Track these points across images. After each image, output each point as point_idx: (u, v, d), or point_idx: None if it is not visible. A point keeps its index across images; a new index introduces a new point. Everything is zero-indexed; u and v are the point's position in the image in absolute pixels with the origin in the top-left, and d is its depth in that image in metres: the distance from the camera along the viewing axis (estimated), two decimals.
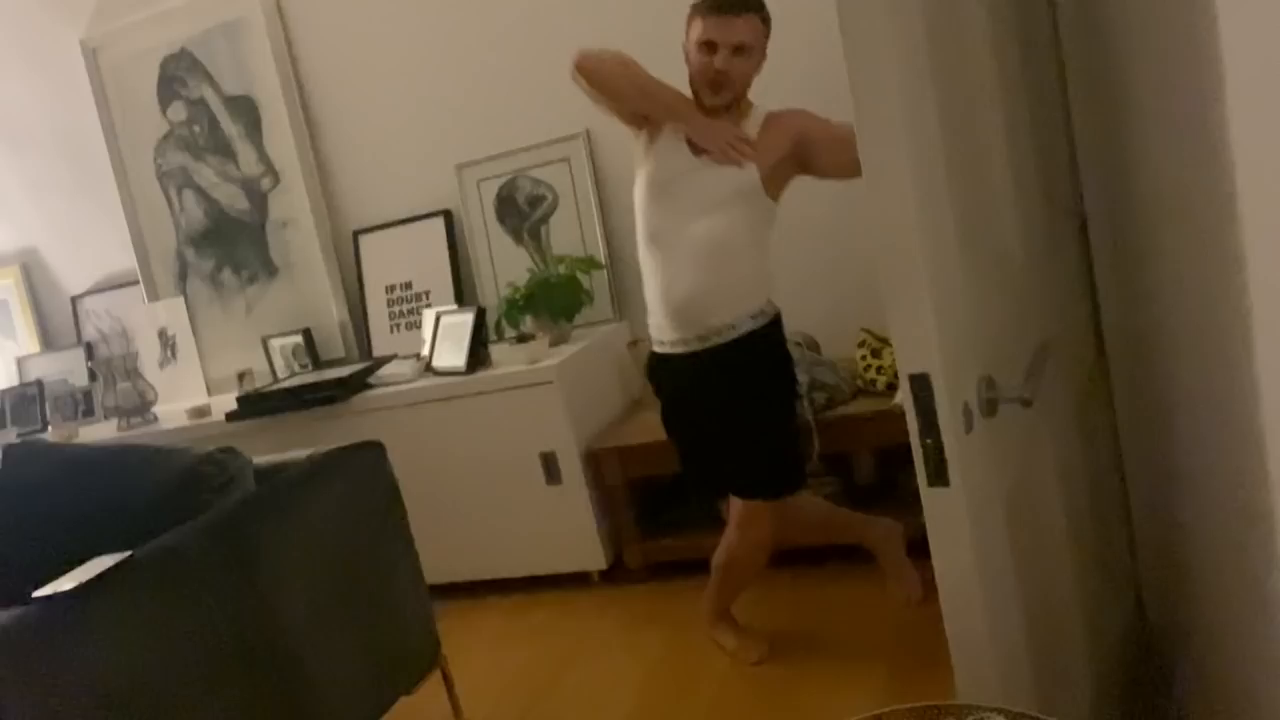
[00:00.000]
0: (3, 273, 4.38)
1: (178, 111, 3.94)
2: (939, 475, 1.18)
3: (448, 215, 3.66)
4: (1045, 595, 1.50)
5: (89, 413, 4.05)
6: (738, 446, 2.42)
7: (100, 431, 3.82)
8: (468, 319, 3.30)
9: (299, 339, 3.82)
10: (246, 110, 3.83)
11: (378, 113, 3.69)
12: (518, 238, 3.60)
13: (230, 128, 3.87)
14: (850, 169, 2.06)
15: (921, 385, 1.16)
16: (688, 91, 2.33)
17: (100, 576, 1.70)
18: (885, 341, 2.89)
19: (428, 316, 3.49)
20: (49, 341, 4.39)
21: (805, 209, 2.69)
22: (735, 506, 2.47)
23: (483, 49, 3.50)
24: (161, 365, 4.04)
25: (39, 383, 4.14)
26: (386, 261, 3.76)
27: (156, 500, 2.02)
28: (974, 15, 1.43)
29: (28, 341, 4.38)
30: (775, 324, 2.40)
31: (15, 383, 4.25)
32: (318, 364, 3.80)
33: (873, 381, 2.92)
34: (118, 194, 4.04)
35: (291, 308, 3.91)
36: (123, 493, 2.09)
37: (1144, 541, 1.98)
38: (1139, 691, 1.88)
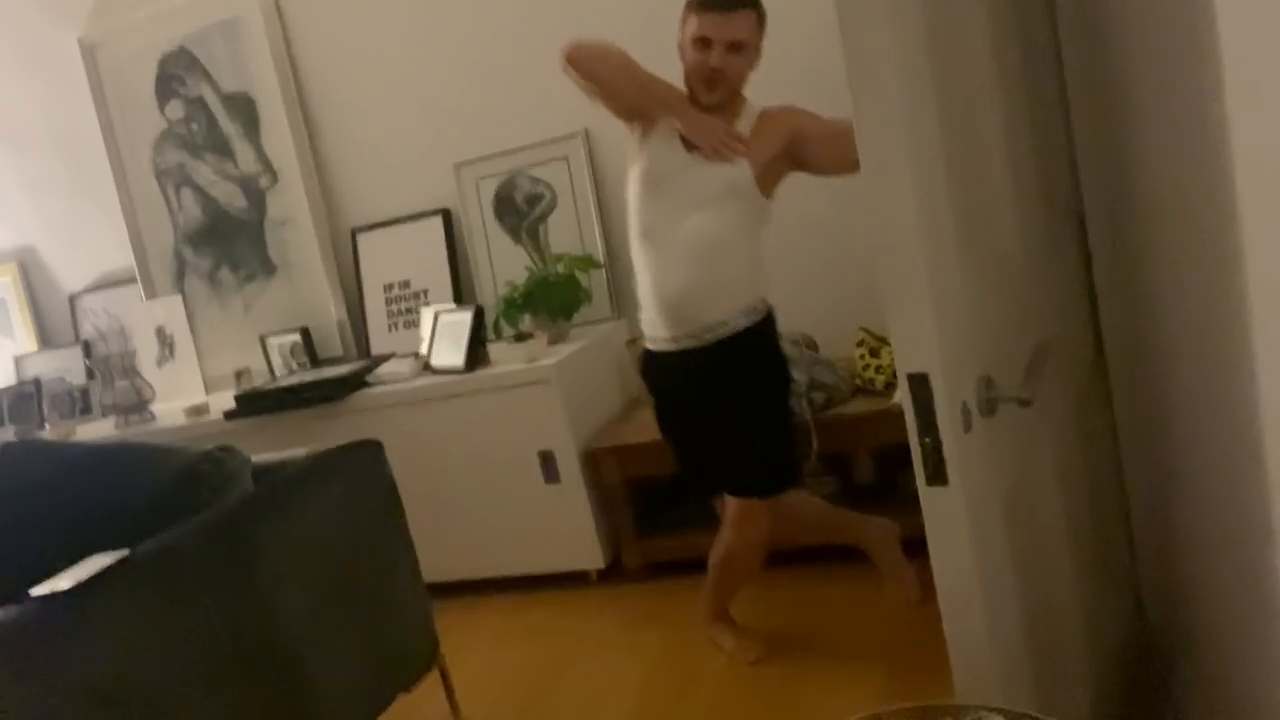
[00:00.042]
0: (0, 271, 4.37)
1: (176, 110, 3.93)
2: (938, 475, 1.18)
3: (446, 214, 3.66)
4: (1044, 595, 1.50)
5: (86, 411, 4.04)
6: (731, 444, 2.41)
7: (98, 430, 3.81)
8: (466, 318, 3.30)
9: (297, 337, 3.82)
10: (245, 108, 3.82)
11: (376, 111, 3.68)
12: (516, 236, 3.60)
13: (228, 126, 3.87)
14: (845, 166, 2.07)
15: (920, 385, 1.16)
16: (683, 88, 2.33)
17: (98, 575, 1.70)
18: (884, 341, 2.89)
19: (426, 315, 3.48)
20: (47, 340, 4.39)
21: (804, 208, 2.69)
22: (730, 505, 2.46)
23: (481, 47, 3.49)
24: (159, 364, 4.03)
25: (36, 381, 4.14)
26: (385, 260, 3.76)
27: (154, 499, 2.02)
28: (973, 15, 1.43)
29: (25, 340, 4.38)
30: (768, 321, 2.40)
31: (13, 381, 4.25)
32: (316, 362, 3.80)
33: (871, 381, 2.92)
34: (115, 192, 4.03)
35: (289, 306, 3.91)
36: (120, 491, 2.09)
37: (1143, 542, 1.98)
38: (1138, 692, 1.88)
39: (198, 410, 3.58)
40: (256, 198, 3.89)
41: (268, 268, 3.93)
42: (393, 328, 3.74)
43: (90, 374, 4.06)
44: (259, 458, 2.27)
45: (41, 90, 4.11)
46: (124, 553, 1.76)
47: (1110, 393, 1.95)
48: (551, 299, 3.30)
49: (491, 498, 3.19)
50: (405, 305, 3.72)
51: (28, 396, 4.10)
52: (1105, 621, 1.80)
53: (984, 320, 1.33)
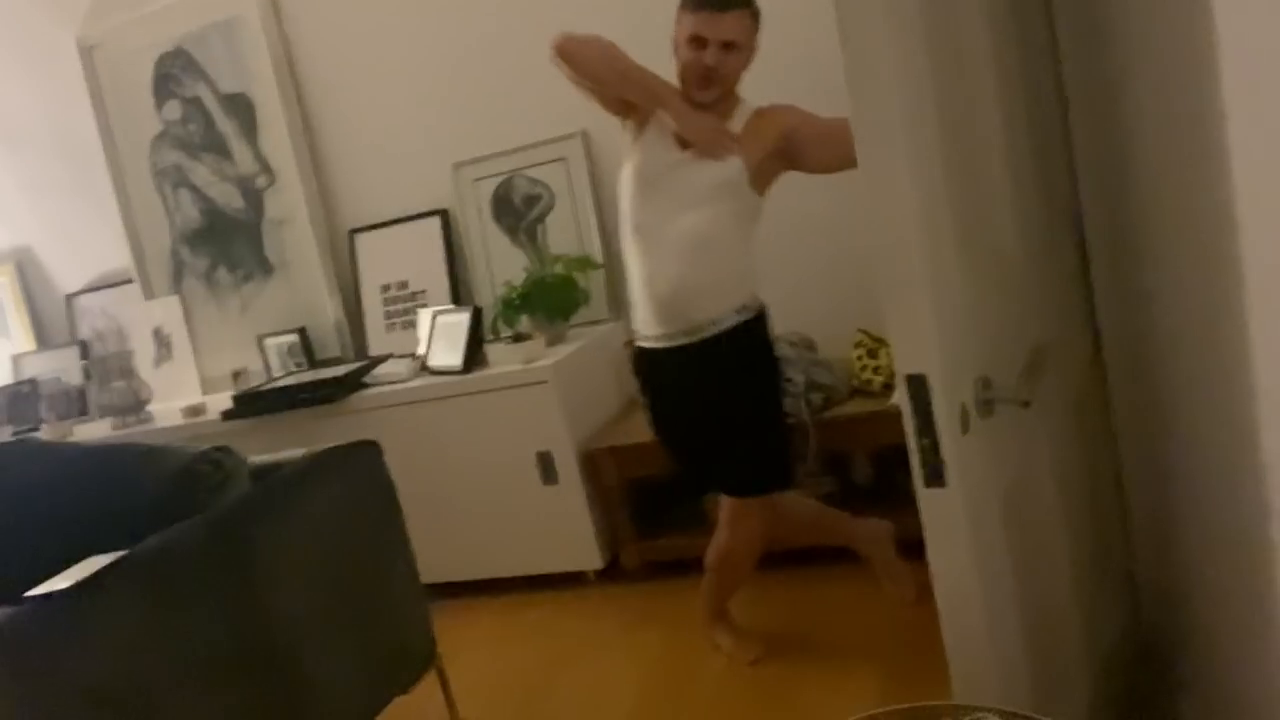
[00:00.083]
0: None
1: (173, 110, 3.92)
2: (936, 476, 1.18)
3: (444, 214, 3.66)
4: (1043, 596, 1.50)
5: (83, 411, 4.04)
6: (724, 442, 2.41)
7: (95, 430, 3.81)
8: (464, 318, 3.29)
9: (294, 338, 3.81)
10: (242, 108, 3.82)
11: (374, 111, 3.68)
12: (514, 237, 3.59)
13: (226, 126, 3.86)
14: (839, 165, 2.07)
15: (919, 386, 1.16)
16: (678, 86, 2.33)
17: (95, 576, 1.70)
18: (882, 342, 2.89)
19: (424, 316, 3.48)
20: (43, 340, 4.38)
21: (802, 207, 2.69)
22: (724, 504, 2.46)
23: (479, 48, 3.49)
24: (156, 364, 4.03)
25: (33, 381, 4.13)
26: (382, 260, 3.75)
27: (152, 499, 2.01)
28: (972, 15, 1.43)
29: (22, 340, 4.37)
30: (760, 319, 2.39)
31: (9, 381, 4.24)
32: (313, 363, 3.79)
33: (869, 382, 2.92)
34: (113, 192, 4.02)
35: (287, 306, 3.90)
36: (118, 492, 2.08)
37: (1142, 542, 1.98)
38: (1137, 692, 1.88)
39: (195, 410, 3.58)
40: (254, 198, 3.88)
41: (265, 268, 3.92)
42: (390, 328, 3.74)
43: (87, 374, 4.05)
44: (256, 458, 2.27)
45: (39, 90, 4.11)
46: (121, 553, 1.75)
47: (1108, 393, 1.95)
48: (549, 300, 3.30)
49: (489, 498, 3.18)
50: (403, 306, 3.72)
51: (24, 397, 4.10)
52: (1103, 622, 1.80)
53: (982, 321, 1.33)
